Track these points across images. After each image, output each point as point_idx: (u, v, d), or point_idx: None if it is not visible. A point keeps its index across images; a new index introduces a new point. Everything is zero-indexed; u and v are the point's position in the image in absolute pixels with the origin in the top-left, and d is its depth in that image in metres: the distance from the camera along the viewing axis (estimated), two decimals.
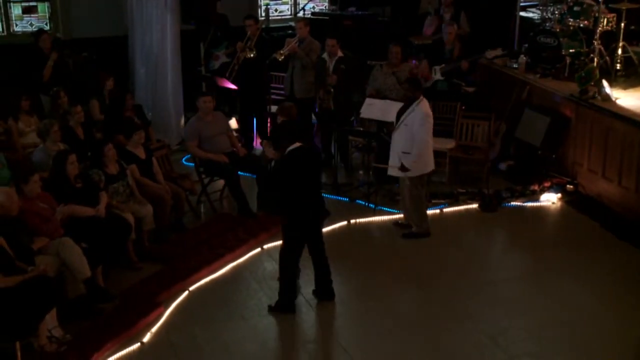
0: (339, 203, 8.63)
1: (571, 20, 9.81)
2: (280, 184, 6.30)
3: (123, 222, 6.95)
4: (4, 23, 10.54)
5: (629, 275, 7.06)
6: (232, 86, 9.82)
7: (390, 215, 8.25)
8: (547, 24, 9.97)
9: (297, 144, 6.23)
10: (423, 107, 7.45)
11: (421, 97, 7.50)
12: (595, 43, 9.45)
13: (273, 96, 10.14)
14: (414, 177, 7.60)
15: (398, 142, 7.56)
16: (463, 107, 9.39)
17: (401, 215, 8.10)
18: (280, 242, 6.61)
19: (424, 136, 7.44)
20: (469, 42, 9.91)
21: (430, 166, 7.73)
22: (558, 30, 9.69)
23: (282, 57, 9.28)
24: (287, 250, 6.43)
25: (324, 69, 9.07)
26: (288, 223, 6.40)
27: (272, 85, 10.28)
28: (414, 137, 7.39)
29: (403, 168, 7.50)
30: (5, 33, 10.59)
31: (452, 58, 9.58)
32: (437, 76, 9.48)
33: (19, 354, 5.65)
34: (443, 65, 9.50)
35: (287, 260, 6.44)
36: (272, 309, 6.47)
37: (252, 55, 9.50)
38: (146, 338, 6.10)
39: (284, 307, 6.44)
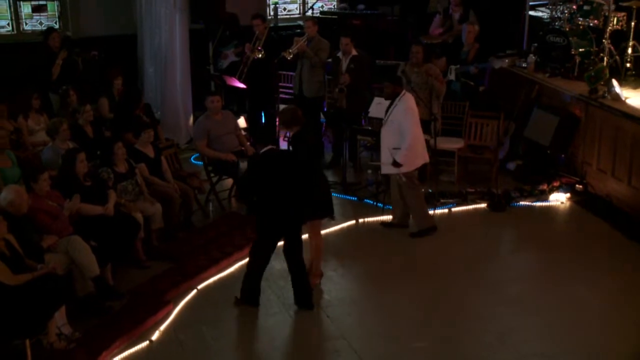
0: (347, 202, 8.64)
1: (581, 19, 9.78)
2: (251, 186, 6.49)
3: (132, 220, 6.96)
4: (13, 22, 10.58)
5: (638, 275, 7.03)
6: (241, 85, 9.83)
7: None
8: (557, 23, 9.93)
9: (269, 147, 6.34)
10: (405, 101, 7.47)
11: (403, 92, 7.54)
12: (605, 42, 9.42)
13: (282, 95, 10.15)
14: (407, 173, 7.59)
15: (387, 138, 7.56)
16: (471, 107, 9.36)
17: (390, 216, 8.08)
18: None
19: (410, 128, 7.43)
20: (481, 43, 9.87)
21: (422, 159, 7.72)
22: (567, 29, 9.66)
23: (291, 56, 9.28)
24: (255, 246, 6.55)
25: (338, 67, 9.07)
26: (258, 223, 6.50)
27: (281, 84, 10.29)
28: (402, 132, 7.41)
29: (395, 164, 7.48)
30: (15, 32, 10.63)
31: (467, 60, 9.57)
32: (452, 76, 9.45)
33: (28, 351, 5.68)
34: (458, 66, 9.48)
35: (254, 256, 6.53)
36: (237, 301, 6.57)
37: (260, 56, 9.51)
38: (155, 336, 6.11)
39: (246, 299, 6.54)
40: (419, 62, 8.78)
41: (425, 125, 8.37)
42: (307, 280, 6.58)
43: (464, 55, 9.66)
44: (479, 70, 9.53)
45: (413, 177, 7.67)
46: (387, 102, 8.22)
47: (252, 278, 6.54)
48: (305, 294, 6.52)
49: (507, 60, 9.97)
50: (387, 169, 7.67)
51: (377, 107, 8.58)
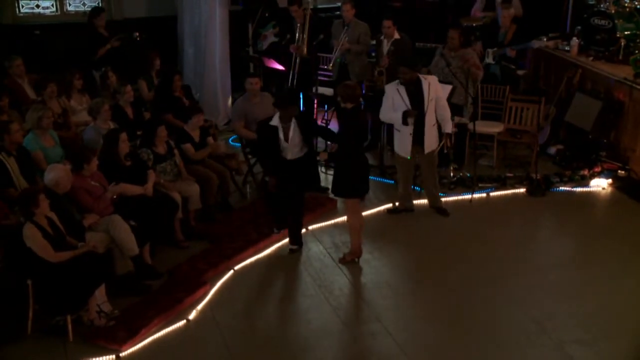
0: (384, 185, 8.62)
1: (627, 1, 9.56)
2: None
3: (170, 200, 7.04)
4: (57, 2, 10.69)
5: None
6: (280, 67, 9.81)
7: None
8: (602, 5, 9.72)
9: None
10: (434, 78, 7.59)
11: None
12: None
13: (320, 78, 10.12)
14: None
15: (430, 118, 7.49)
16: (511, 91, 9.24)
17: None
18: (324, 224, 6.84)
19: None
20: (522, 25, 9.71)
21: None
22: (613, 11, 9.45)
23: (338, 60, 9.30)
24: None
25: (380, 49, 9.02)
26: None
27: (320, 66, 10.25)
28: (443, 106, 7.53)
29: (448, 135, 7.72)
30: (58, 12, 10.75)
31: (505, 43, 9.42)
32: (490, 59, 9.32)
33: (70, 327, 5.82)
34: (496, 49, 9.34)
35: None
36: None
37: (305, 53, 9.40)
38: (192, 315, 6.20)
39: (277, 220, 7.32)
40: (456, 46, 8.67)
41: (459, 110, 8.29)
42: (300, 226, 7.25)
43: (502, 37, 9.50)
44: (518, 52, 9.37)
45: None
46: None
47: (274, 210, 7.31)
48: (297, 235, 7.21)
49: (545, 39, 9.70)
50: (431, 146, 7.61)
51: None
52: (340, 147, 6.87)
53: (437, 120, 7.56)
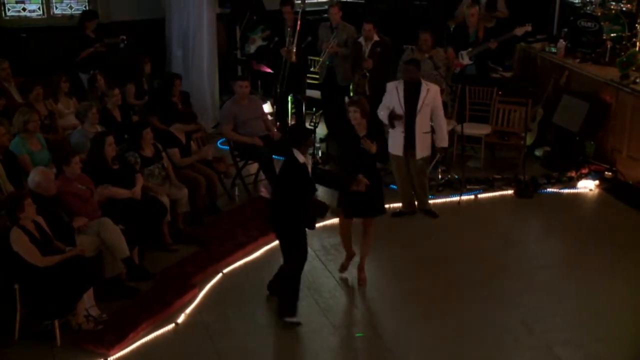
0: None
1: (613, 3, 9.64)
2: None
3: (158, 204, 7.02)
4: (44, 5, 10.64)
5: None
6: (268, 70, 9.81)
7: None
8: (588, 8, 9.78)
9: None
10: (432, 84, 7.64)
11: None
12: (638, 27, 9.27)
13: (308, 80, 10.13)
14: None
15: (422, 124, 7.57)
16: (500, 93, 9.28)
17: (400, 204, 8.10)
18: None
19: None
20: (504, 25, 9.72)
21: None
22: (599, 14, 9.51)
23: (326, 62, 9.32)
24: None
25: (360, 53, 9.03)
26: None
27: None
28: (438, 114, 7.57)
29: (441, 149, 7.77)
30: (45, 15, 10.70)
31: (478, 40, 9.39)
32: (466, 61, 9.32)
33: (57, 331, 5.79)
34: (470, 49, 9.34)
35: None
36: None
37: (294, 59, 9.40)
38: (180, 319, 6.18)
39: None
40: (428, 49, 8.68)
41: (445, 108, 8.36)
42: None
43: (473, 37, 9.48)
44: (500, 43, 9.32)
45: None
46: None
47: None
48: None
49: (528, 25, 9.56)
50: (423, 153, 7.66)
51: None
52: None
53: (432, 129, 7.60)
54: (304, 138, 6.08)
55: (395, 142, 7.66)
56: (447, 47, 9.39)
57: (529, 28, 9.16)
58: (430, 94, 7.47)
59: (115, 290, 6.40)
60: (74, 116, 7.80)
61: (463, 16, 10.45)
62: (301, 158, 5.94)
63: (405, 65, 7.59)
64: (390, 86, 7.62)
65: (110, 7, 10.65)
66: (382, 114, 7.61)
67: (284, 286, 6.23)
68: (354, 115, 6.53)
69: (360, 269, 6.76)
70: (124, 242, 6.38)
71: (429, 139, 7.65)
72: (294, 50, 9.40)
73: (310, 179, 6.05)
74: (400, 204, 8.02)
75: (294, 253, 6.08)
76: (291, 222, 6.03)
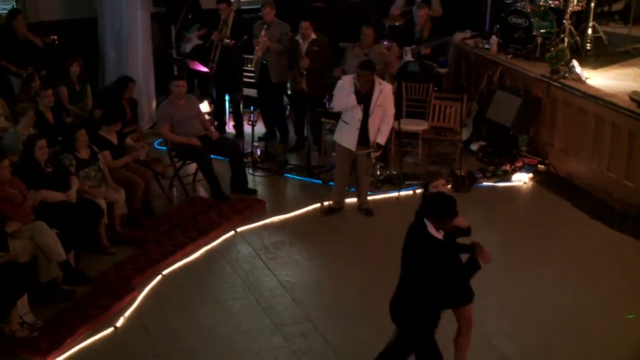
0: (312, 185, 8.64)
1: (542, 0, 9.85)
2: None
3: (95, 206, 6.89)
4: None
5: (600, 254, 7.16)
6: (204, 69, 9.74)
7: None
8: (518, 5, 9.98)
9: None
10: (387, 84, 7.74)
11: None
12: (566, 23, 9.50)
13: (245, 79, 10.09)
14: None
15: (375, 123, 7.63)
16: (436, 89, 9.42)
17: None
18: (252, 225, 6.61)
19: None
20: (440, 24, 9.91)
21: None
22: (529, 10, 9.72)
23: (260, 54, 9.29)
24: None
25: (297, 51, 9.04)
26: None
27: (245, 68, 10.20)
28: (388, 115, 7.63)
29: (380, 146, 7.74)
30: None
31: (422, 39, 9.59)
32: (408, 57, 9.48)
33: None
34: (414, 46, 9.50)
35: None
36: None
37: (228, 41, 9.39)
38: (119, 323, 6.08)
39: None
40: (370, 44, 8.77)
41: None
42: None
43: (418, 35, 9.65)
44: (436, 48, 9.54)
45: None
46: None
47: None
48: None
49: (469, 32, 9.80)
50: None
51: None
52: None
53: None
54: (446, 213, 4.75)
55: (350, 135, 7.65)
56: (392, 44, 9.53)
57: (467, 34, 9.40)
58: (384, 93, 7.53)
59: (51, 295, 6.26)
60: (4, 119, 7.60)
61: (399, 13, 10.63)
62: (435, 232, 4.76)
63: (362, 71, 7.43)
64: (347, 79, 7.62)
65: (38, 5, 10.37)
66: (345, 101, 7.52)
67: None
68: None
69: None
70: (60, 245, 6.24)
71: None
72: (228, 34, 9.35)
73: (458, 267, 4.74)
74: (330, 202, 8.05)
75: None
76: (417, 320, 4.75)
